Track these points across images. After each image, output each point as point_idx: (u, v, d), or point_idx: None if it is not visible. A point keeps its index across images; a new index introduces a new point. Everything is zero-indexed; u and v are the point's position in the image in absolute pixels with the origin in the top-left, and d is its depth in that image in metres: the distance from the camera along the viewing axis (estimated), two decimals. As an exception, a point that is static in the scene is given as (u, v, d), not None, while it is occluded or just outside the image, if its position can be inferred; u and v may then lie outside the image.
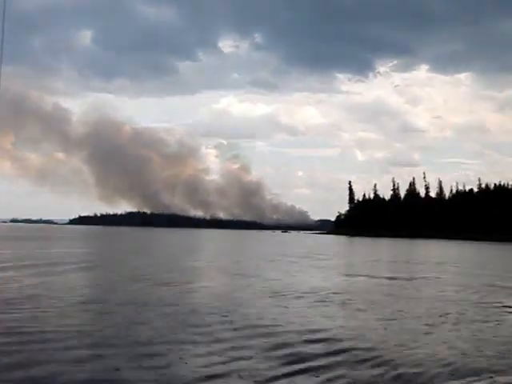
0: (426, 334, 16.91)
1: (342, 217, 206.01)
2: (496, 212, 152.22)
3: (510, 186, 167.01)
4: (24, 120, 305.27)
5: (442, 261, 55.56)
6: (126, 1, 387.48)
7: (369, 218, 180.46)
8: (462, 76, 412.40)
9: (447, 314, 20.69)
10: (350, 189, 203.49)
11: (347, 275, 36.65)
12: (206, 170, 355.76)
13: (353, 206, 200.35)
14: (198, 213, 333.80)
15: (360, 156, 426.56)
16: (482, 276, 37.85)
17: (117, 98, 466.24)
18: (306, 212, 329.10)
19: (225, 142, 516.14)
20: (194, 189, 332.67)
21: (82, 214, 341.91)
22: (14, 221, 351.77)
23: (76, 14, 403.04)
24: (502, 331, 17.66)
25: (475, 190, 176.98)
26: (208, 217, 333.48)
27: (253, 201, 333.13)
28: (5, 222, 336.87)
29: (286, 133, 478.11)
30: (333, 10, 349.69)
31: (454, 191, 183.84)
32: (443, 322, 18.92)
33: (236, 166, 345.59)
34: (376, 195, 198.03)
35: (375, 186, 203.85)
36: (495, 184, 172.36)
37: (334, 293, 26.06)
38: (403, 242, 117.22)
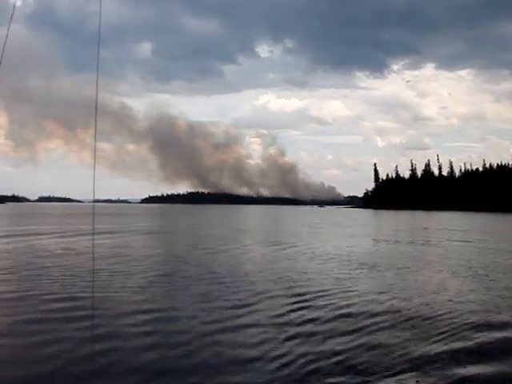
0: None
1: (369, 193, 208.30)
2: (498, 187, 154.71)
3: (510, 166, 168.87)
4: (99, 117, 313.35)
5: (455, 228, 57.59)
6: (178, 16, 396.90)
7: (391, 194, 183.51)
8: (464, 72, 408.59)
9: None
10: (376, 170, 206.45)
11: (376, 240, 40.72)
12: (250, 156, 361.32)
13: (378, 184, 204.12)
14: (245, 191, 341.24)
15: (380, 142, 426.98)
16: (484, 241, 39.42)
17: (173, 98, 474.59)
18: (334, 188, 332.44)
19: (265, 131, 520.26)
20: (240, 171, 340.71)
21: (151, 194, 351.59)
22: (96, 201, 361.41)
23: (137, 29, 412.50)
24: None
25: (480, 169, 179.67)
26: (254, 195, 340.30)
27: (289, 180, 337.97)
28: (90, 202, 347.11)
29: (315, 123, 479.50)
30: (352, 18, 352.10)
31: (463, 170, 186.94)
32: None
33: (274, 152, 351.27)
34: (397, 175, 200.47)
35: (396, 167, 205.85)
36: (497, 164, 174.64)
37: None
38: (420, 214, 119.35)
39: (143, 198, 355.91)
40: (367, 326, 12.39)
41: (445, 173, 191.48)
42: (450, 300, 15.68)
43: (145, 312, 13.76)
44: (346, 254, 28.42)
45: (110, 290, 16.88)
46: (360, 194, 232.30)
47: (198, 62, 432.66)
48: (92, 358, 9.88)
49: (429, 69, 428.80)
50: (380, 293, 16.86)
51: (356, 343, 10.97)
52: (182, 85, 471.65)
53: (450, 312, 13.92)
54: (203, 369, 9.42)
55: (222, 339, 11.20)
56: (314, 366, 9.54)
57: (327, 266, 23.58)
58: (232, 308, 14.30)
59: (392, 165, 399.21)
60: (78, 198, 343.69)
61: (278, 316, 13.33)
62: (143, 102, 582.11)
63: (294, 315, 13.45)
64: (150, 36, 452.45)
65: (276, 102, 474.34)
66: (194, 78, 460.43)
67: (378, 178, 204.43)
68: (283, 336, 11.40)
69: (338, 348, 10.61)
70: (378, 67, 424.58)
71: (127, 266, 22.73)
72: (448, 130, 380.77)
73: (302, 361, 9.78)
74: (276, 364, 9.60)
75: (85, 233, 42.68)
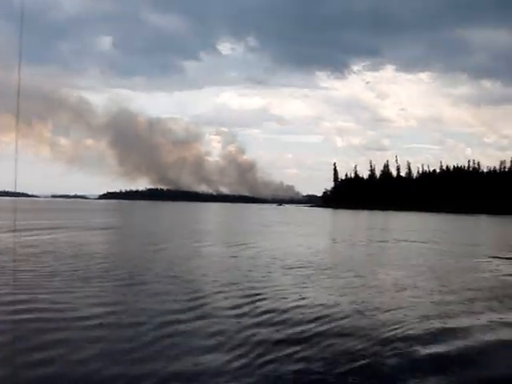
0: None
1: (328, 193, 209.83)
2: (453, 188, 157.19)
3: (465, 168, 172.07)
4: (57, 112, 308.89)
5: (411, 228, 58.12)
6: (139, 10, 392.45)
7: (350, 193, 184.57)
8: (424, 75, 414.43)
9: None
10: (335, 169, 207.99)
11: (332, 240, 40.80)
12: (209, 153, 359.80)
13: (337, 183, 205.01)
14: (204, 188, 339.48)
15: (339, 142, 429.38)
16: (439, 242, 40.04)
17: (133, 93, 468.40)
18: (293, 187, 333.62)
19: (225, 129, 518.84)
20: (199, 168, 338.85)
21: (110, 190, 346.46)
22: (53, 196, 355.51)
23: (97, 22, 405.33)
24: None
25: (437, 170, 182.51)
26: (214, 192, 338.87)
27: (248, 178, 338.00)
28: (46, 197, 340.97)
29: (276, 122, 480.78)
30: (314, 17, 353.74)
31: (421, 171, 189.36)
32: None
33: (234, 149, 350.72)
34: (356, 175, 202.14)
35: (355, 167, 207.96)
36: (454, 166, 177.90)
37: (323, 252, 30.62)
38: (378, 214, 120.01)
39: (101, 193, 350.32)
40: (319, 318, 12.38)
41: (403, 174, 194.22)
42: (401, 304, 14.54)
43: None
44: (303, 253, 27.55)
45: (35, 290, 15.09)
46: (319, 194, 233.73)
47: (159, 57, 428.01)
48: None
49: (389, 70, 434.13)
50: (334, 290, 16.46)
51: (304, 334, 10.98)
52: (142, 80, 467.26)
53: (403, 314, 13.24)
54: (159, 360, 9.19)
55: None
56: (270, 356, 9.51)
57: (284, 264, 22.71)
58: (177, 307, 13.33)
59: (351, 165, 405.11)
60: (35, 193, 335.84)
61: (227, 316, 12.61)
62: (102, 97, 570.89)
63: (243, 313, 12.96)
64: (111, 29, 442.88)
65: (237, 99, 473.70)
66: (154, 74, 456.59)
67: (338, 178, 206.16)
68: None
69: (292, 338, 10.65)
70: (338, 67, 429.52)
71: (49, 265, 20.70)
72: (407, 132, 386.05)
73: (257, 351, 9.74)
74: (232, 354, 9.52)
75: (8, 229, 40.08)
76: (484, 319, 12.96)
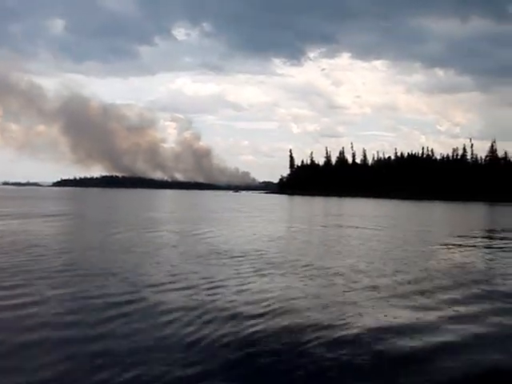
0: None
1: (284, 179, 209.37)
2: (408, 175, 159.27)
3: (419, 155, 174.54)
4: (7, 97, 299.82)
5: (364, 214, 58.55)
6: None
7: (306, 180, 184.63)
8: (378, 63, 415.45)
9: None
10: (291, 156, 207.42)
11: (288, 225, 40.57)
12: (164, 140, 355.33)
13: (293, 170, 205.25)
14: (160, 175, 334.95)
15: (295, 129, 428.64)
16: (393, 228, 40.90)
17: (86, 78, 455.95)
18: (248, 173, 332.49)
19: (181, 115, 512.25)
20: (154, 155, 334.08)
21: (64, 178, 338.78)
22: (5, 183, 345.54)
23: (49, 5, 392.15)
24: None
25: (392, 157, 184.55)
26: (169, 179, 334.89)
27: (204, 164, 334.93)
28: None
29: (231, 109, 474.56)
30: (271, 3, 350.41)
31: (376, 158, 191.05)
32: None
33: (189, 136, 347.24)
34: (312, 161, 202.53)
35: (311, 153, 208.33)
36: (408, 153, 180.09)
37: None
38: (334, 200, 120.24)
39: (55, 181, 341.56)
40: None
41: (358, 160, 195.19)
42: (356, 293, 13.77)
43: None
44: (258, 240, 27.04)
45: None
46: (275, 180, 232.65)
47: (114, 42, 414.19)
48: None
49: (344, 58, 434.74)
50: (289, 277, 15.92)
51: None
52: (95, 65, 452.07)
53: (357, 303, 12.59)
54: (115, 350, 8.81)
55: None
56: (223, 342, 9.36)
57: (242, 249, 22.20)
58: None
59: (307, 151, 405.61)
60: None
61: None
62: (55, 82, 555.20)
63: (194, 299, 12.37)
64: (64, 12, 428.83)
65: (192, 85, 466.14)
66: (108, 59, 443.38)
67: (294, 165, 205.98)
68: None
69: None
70: (295, 54, 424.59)
71: None
72: (362, 119, 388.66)
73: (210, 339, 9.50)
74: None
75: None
76: (438, 306, 12.48)
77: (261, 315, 11.14)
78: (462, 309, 12.29)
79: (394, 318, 11.26)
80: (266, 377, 8.04)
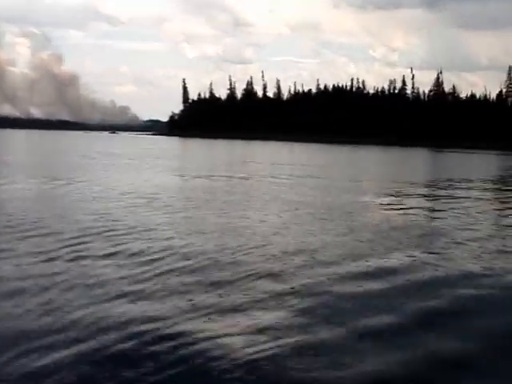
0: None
1: (176, 117, 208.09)
2: (333, 113, 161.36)
3: (347, 88, 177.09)
4: None
5: (278, 161, 59.12)
6: None
7: (204, 118, 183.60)
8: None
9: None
10: (184, 87, 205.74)
11: (179, 175, 39.51)
12: (13, 62, 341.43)
13: (187, 105, 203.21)
14: (9, 110, 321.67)
15: (189, 51, 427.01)
16: (315, 177, 41.25)
17: None
18: (128, 108, 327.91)
19: (35, 30, 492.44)
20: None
21: None
22: None
23: None
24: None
25: (314, 90, 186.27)
26: (22, 116, 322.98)
27: (69, 96, 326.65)
28: None
29: (105, 23, 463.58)
30: None
31: (293, 92, 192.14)
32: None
33: (48, 58, 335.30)
34: (212, 94, 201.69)
35: (211, 84, 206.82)
36: (333, 85, 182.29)
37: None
38: (239, 144, 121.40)
39: None
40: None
41: (271, 94, 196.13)
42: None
43: None
44: (151, 192, 27.56)
45: None
46: (164, 118, 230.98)
47: None
48: None
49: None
50: (197, 234, 16.59)
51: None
52: None
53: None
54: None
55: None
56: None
57: (128, 205, 22.41)
58: None
59: (205, 82, 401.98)
60: None
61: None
62: None
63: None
64: None
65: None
66: None
67: (188, 99, 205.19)
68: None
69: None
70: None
71: None
72: (275, 41, 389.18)
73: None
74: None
75: None
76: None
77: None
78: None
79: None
80: None
